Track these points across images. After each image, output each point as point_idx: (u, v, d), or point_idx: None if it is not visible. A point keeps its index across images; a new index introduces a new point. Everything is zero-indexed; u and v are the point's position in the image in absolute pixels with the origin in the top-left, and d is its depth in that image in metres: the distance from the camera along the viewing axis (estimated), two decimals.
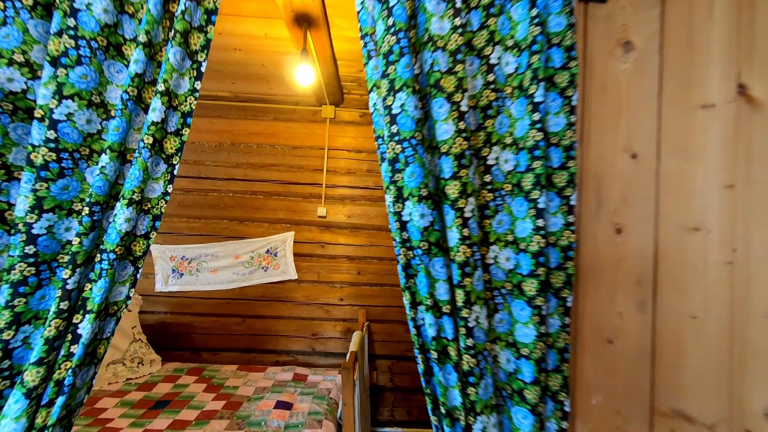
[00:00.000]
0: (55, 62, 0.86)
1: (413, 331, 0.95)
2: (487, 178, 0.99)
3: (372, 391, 2.92)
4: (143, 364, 2.65)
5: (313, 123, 3.04)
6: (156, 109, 0.88)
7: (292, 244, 2.96)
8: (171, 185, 0.97)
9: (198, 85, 0.96)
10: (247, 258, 2.94)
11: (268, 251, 2.96)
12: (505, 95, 0.98)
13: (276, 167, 3.01)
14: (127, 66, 0.92)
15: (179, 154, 0.97)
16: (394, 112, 0.90)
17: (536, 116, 0.92)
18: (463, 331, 0.90)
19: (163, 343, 2.88)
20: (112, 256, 0.86)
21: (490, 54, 0.99)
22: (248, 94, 2.99)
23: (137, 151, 0.89)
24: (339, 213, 3.01)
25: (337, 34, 2.28)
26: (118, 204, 0.88)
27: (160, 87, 0.89)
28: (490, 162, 0.99)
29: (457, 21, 0.93)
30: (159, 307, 2.94)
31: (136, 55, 0.88)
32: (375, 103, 0.97)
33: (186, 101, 0.94)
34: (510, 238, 0.97)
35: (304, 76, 2.20)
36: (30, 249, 0.84)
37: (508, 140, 0.98)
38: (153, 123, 0.89)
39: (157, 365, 2.70)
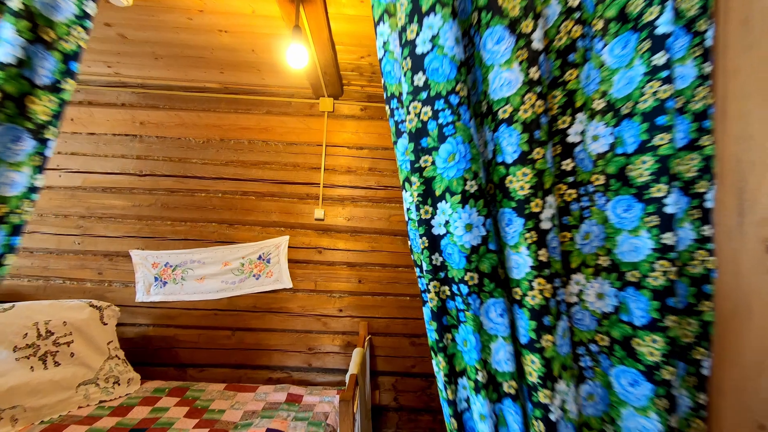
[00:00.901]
0: None
1: (451, 423, 0.54)
2: (567, 164, 0.59)
3: (374, 411, 2.51)
4: (119, 384, 2.24)
5: (310, 117, 2.63)
6: (4, 42, 0.48)
7: (287, 250, 2.56)
8: (41, 175, 0.57)
9: (92, 7, 0.55)
10: (237, 265, 2.54)
11: (260, 257, 2.55)
12: (594, 32, 0.58)
13: (269, 165, 2.61)
14: None
15: (56, 124, 0.56)
16: (419, 50, 0.51)
17: (660, 58, 0.52)
18: (540, 428, 0.49)
19: (144, 358, 2.47)
20: None
21: None
22: (238, 86, 2.59)
23: None
24: (338, 215, 2.61)
25: (335, 12, 1.88)
26: None
27: (14, 3, 0.48)
28: (571, 139, 0.59)
29: None
30: (140, 318, 2.53)
31: None
32: (386, 42, 0.57)
33: (69, 35, 0.54)
34: (605, 262, 0.57)
35: (296, 57, 1.80)
36: None
37: (600, 104, 0.57)
38: None
39: (135, 385, 2.29)
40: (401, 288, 2.60)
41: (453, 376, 0.54)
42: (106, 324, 2.26)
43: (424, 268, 0.55)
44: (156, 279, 2.52)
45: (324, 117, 2.63)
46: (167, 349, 2.52)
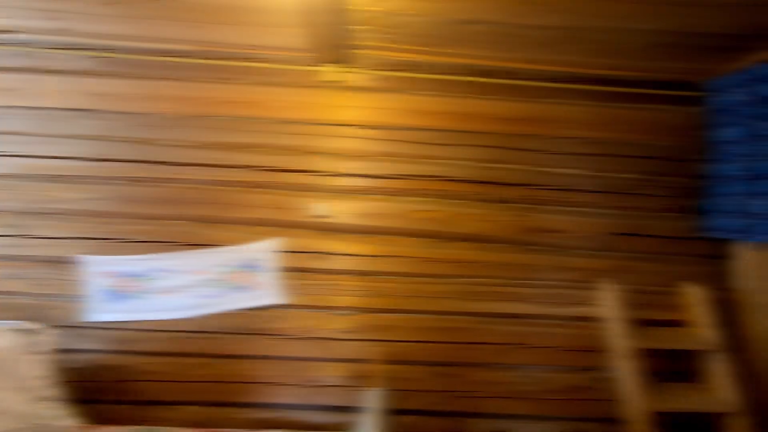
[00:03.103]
0: None
1: None
2: None
3: None
4: None
5: (310, 89, 2.11)
6: None
7: (279, 255, 2.03)
8: None
9: None
10: (215, 274, 2.01)
11: (245, 265, 2.02)
12: None
13: (257, 149, 2.08)
14: None
15: None
16: None
17: None
18: None
19: (94, 395, 1.93)
20: None
21: None
22: (219, 48, 2.07)
23: None
24: (344, 211, 2.08)
25: None
26: None
27: None
28: None
29: None
30: (90, 343, 1.99)
31: None
32: None
33: None
34: None
35: None
36: None
37: None
38: None
39: None
40: (424, 303, 2.07)
41: None
42: (37, 354, 1.72)
43: None
44: (111, 292, 1.99)
45: (327, 89, 2.11)
46: (125, 382, 1.98)
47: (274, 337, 2.04)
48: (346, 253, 2.07)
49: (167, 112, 2.08)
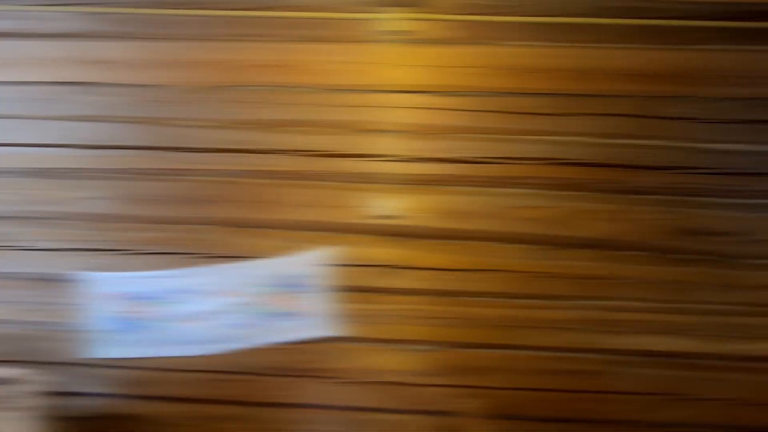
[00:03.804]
0: None
1: None
2: None
3: None
4: None
5: (365, 44, 1.56)
6: None
7: (332, 269, 1.52)
8: None
9: None
10: (248, 297, 1.52)
11: (286, 284, 1.52)
12: None
13: (299, 127, 1.56)
14: None
15: None
16: None
17: None
18: None
19: None
20: None
21: None
22: None
23: None
24: (418, 209, 1.54)
25: None
26: None
27: None
28: None
29: None
30: (92, 385, 1.55)
31: None
32: None
33: None
34: None
35: None
36: None
37: None
38: None
39: None
40: (533, 336, 1.50)
41: None
42: (16, 411, 1.29)
43: None
44: (119, 320, 1.54)
45: (390, 43, 1.55)
46: None
47: (325, 380, 1.53)
48: (421, 266, 1.52)
49: (182, 83, 1.58)
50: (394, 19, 1.54)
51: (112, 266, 1.55)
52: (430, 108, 1.53)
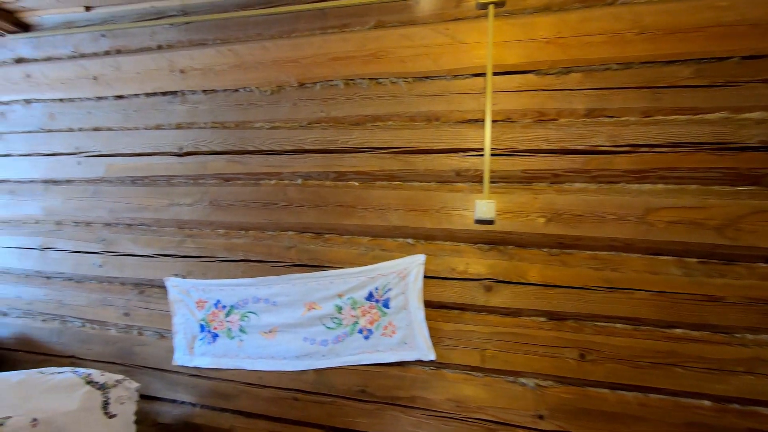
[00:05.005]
0: None
1: None
2: None
3: None
4: None
5: (458, 22, 1.35)
6: None
7: (422, 282, 1.33)
8: None
9: None
10: (330, 309, 1.39)
11: (370, 296, 1.37)
12: None
13: (385, 121, 1.40)
14: None
15: None
16: None
17: None
18: None
19: None
20: None
21: None
22: None
23: None
24: (523, 210, 1.28)
25: None
26: None
27: None
28: None
29: None
30: (181, 393, 1.55)
31: None
32: None
33: None
34: None
35: None
36: None
37: None
38: None
39: None
40: (689, 379, 1.14)
41: None
42: (114, 416, 1.29)
43: None
44: (202, 328, 1.52)
45: (485, 19, 1.33)
46: None
47: (412, 411, 1.33)
48: (530, 281, 1.26)
49: (262, 84, 1.53)
50: None
51: (197, 272, 1.55)
52: (540, 89, 1.27)
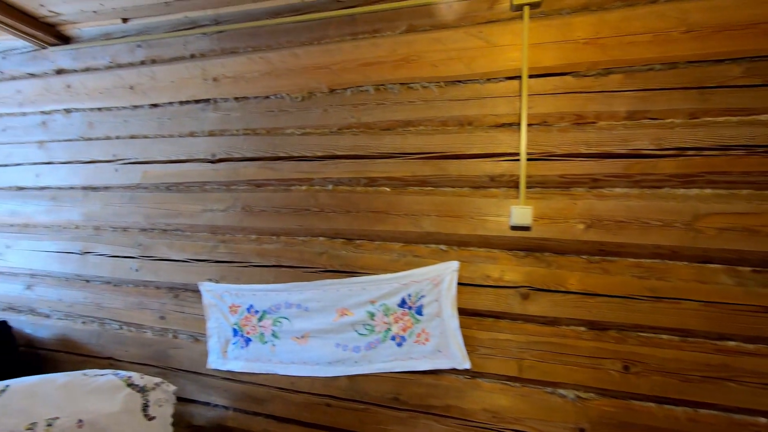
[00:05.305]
0: None
1: None
2: None
3: None
4: None
5: (490, 25, 1.33)
6: None
7: (456, 289, 1.31)
8: None
9: None
10: (362, 315, 1.39)
11: (403, 303, 1.36)
12: None
13: (418, 126, 1.39)
14: None
15: None
16: None
17: None
18: None
19: None
20: None
21: None
22: None
23: None
24: (561, 216, 1.25)
25: None
26: None
27: None
28: None
29: None
30: (214, 396, 1.58)
31: None
32: None
33: None
34: None
35: None
36: None
37: None
38: None
39: None
40: (741, 394, 1.09)
41: None
42: (153, 418, 1.32)
43: None
44: (235, 332, 1.54)
45: (519, 21, 1.30)
46: None
47: (446, 420, 1.31)
48: (569, 289, 1.22)
49: (293, 90, 1.55)
50: None
51: (230, 277, 1.57)
52: (577, 92, 1.24)
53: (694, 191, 1.16)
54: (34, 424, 1.14)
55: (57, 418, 1.16)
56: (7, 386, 1.18)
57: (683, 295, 1.14)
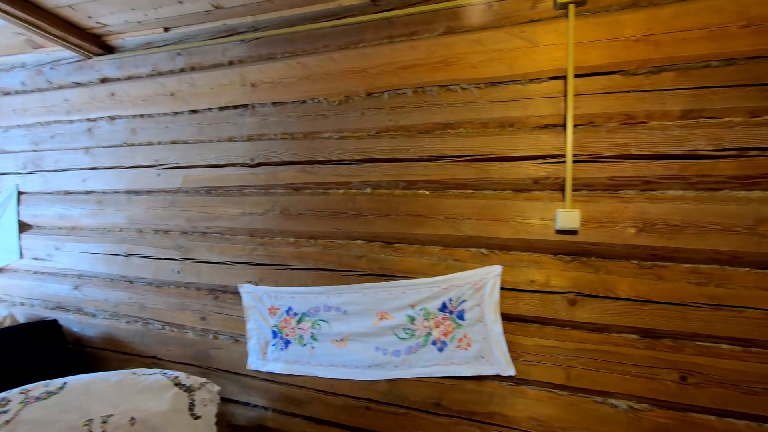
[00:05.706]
0: None
1: None
2: None
3: None
4: None
5: (532, 25, 1.31)
6: None
7: (499, 294, 1.29)
8: None
9: None
10: (401, 319, 1.38)
11: (444, 307, 1.35)
12: None
13: (457, 129, 1.38)
14: None
15: None
16: None
17: None
18: None
19: None
20: None
21: None
22: None
23: None
24: (609, 221, 1.21)
25: None
26: None
27: None
28: None
29: None
30: (254, 396, 1.60)
31: None
32: None
33: None
34: None
35: None
36: None
37: None
38: None
39: None
40: None
41: None
42: (199, 417, 1.36)
43: None
44: (275, 334, 1.56)
45: (564, 20, 1.27)
46: None
47: (493, 428, 1.29)
48: (621, 295, 1.18)
49: (330, 95, 1.56)
50: None
51: (269, 279, 1.59)
52: (627, 91, 1.20)
53: (757, 193, 1.10)
54: (90, 420, 1.18)
55: (111, 415, 1.21)
56: (65, 383, 1.24)
57: (745, 303, 1.09)
